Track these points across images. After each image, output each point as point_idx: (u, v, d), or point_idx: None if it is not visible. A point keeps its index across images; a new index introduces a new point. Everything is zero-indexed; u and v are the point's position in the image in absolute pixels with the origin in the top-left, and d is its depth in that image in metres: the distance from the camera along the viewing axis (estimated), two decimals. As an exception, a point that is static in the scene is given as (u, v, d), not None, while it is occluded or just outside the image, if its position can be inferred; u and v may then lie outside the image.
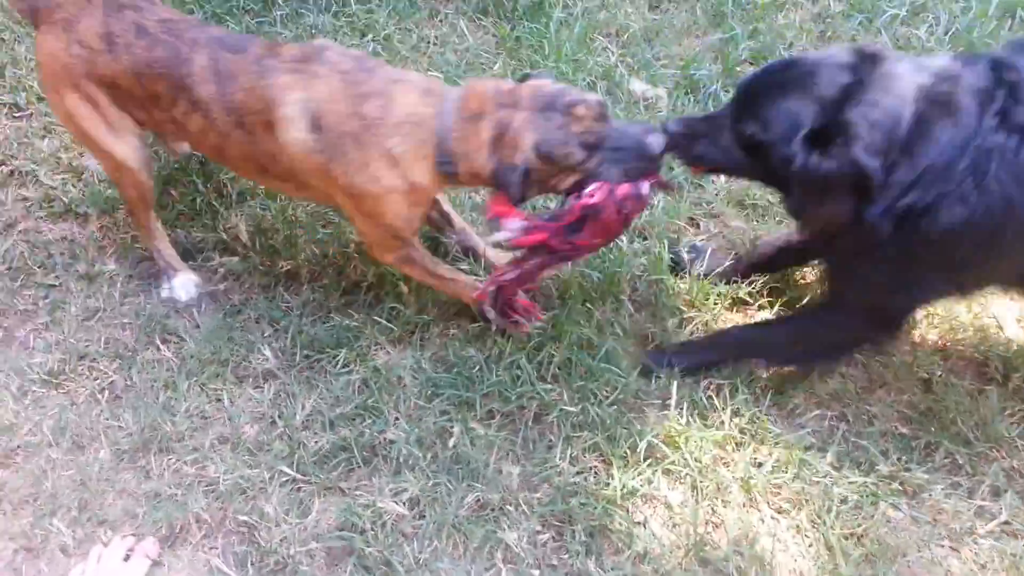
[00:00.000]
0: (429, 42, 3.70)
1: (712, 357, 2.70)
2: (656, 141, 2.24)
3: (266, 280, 2.94)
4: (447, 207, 2.89)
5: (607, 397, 2.62)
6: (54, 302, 2.90)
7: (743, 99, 2.20)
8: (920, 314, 2.75)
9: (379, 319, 2.80)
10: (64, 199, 3.16)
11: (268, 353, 2.75)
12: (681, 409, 2.60)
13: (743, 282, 2.89)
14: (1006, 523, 2.45)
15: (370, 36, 3.68)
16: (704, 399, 2.63)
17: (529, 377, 2.63)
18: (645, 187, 2.27)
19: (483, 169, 2.30)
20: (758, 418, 2.58)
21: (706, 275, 2.89)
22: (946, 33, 3.61)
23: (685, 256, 2.93)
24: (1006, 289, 2.55)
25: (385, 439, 2.56)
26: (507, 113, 2.25)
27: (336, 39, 3.65)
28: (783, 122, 2.05)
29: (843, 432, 2.60)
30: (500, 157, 2.25)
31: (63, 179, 3.20)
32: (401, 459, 2.52)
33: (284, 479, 2.49)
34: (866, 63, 2.05)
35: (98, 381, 2.71)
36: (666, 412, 2.60)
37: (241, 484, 2.47)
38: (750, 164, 2.20)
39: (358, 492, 2.46)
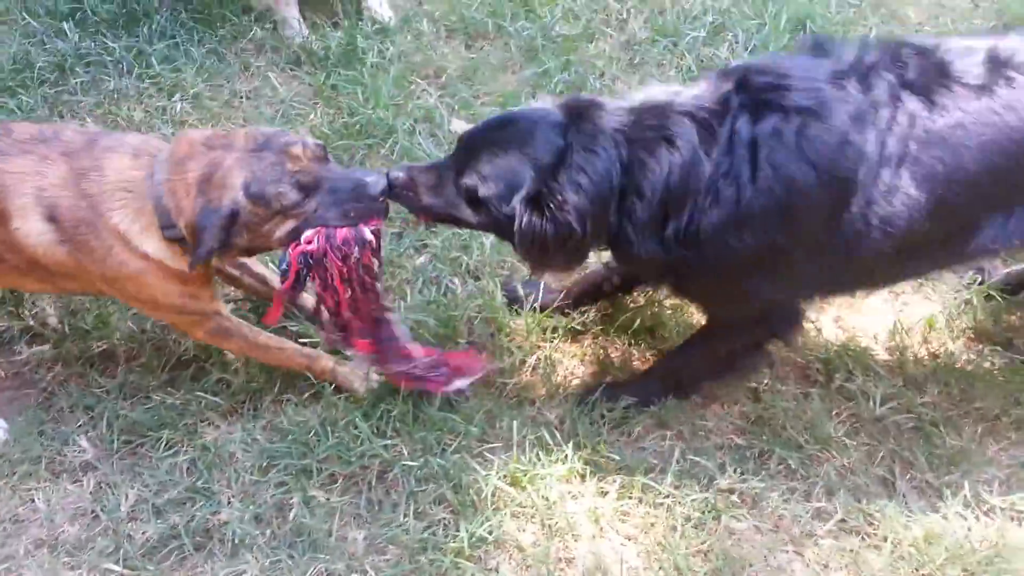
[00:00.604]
0: (242, 97, 3.61)
1: (656, 390, 2.71)
2: (376, 181, 2.19)
3: (79, 366, 2.75)
4: (259, 269, 2.78)
5: (450, 445, 2.59)
6: None
7: (465, 152, 2.23)
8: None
9: (204, 394, 2.66)
10: None
11: (84, 443, 2.57)
12: (524, 448, 2.58)
13: (575, 311, 2.92)
14: (842, 521, 2.53)
15: (178, 95, 3.55)
16: (547, 436, 2.62)
17: (368, 435, 2.56)
18: (366, 231, 2.20)
19: (191, 218, 2.14)
20: (599, 448, 2.59)
21: (542, 309, 2.90)
22: (746, 49, 3.81)
23: (521, 292, 2.94)
24: (868, 284, 2.58)
25: (218, 520, 2.42)
26: (218, 154, 2.15)
27: (141, 102, 3.51)
28: (502, 180, 2.13)
29: (681, 450, 2.65)
30: (207, 200, 2.11)
31: None
32: (237, 540, 2.39)
33: (110, 577, 2.31)
34: (573, 122, 2.13)
35: None
36: (510, 454, 2.57)
37: (60, 591, 2.28)
38: (472, 216, 2.23)
39: (193, 582, 2.32)
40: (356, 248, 2.19)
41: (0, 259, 2.28)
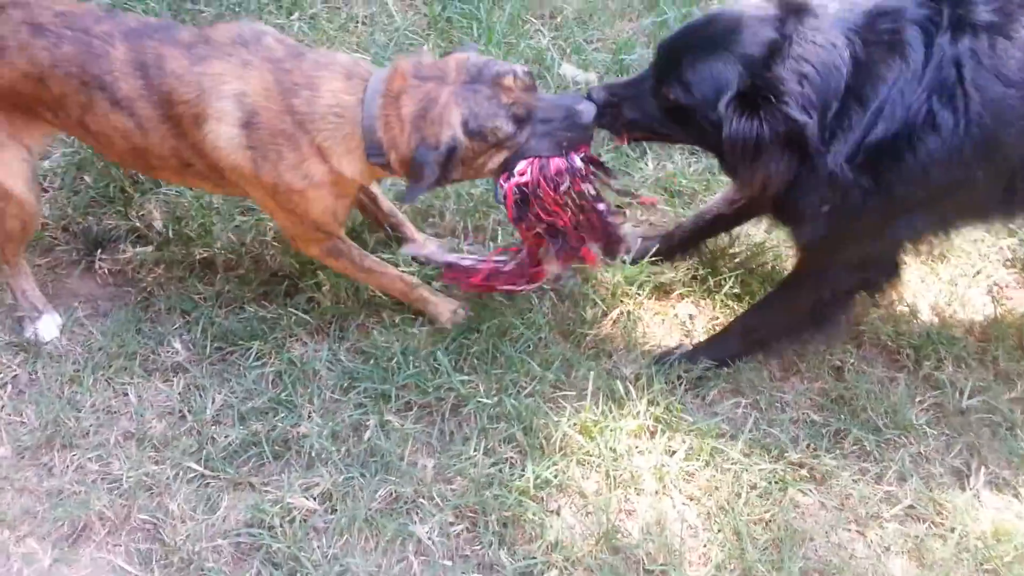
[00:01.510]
0: (358, 22, 3.63)
1: (735, 348, 2.67)
2: (587, 109, 2.15)
3: (180, 270, 2.87)
4: (376, 190, 2.84)
5: (525, 388, 2.62)
6: (-48, 296, 2.80)
7: (664, 61, 2.12)
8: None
9: (295, 311, 2.75)
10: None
11: (178, 346, 2.69)
12: (597, 400, 2.60)
13: (670, 264, 2.89)
14: (911, 507, 2.50)
15: (296, 15, 3.59)
16: (621, 389, 2.63)
17: (447, 369, 2.61)
18: (577, 159, 2.19)
19: (407, 153, 2.17)
20: (673, 407, 2.59)
21: (634, 262, 2.87)
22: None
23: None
24: (987, 220, 2.46)
25: (298, 433, 2.52)
26: (432, 87, 2.14)
27: (261, 18, 3.56)
28: (707, 85, 2.00)
29: (755, 419, 2.63)
30: (424, 136, 2.13)
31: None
32: (314, 453, 2.48)
33: (191, 475, 2.44)
34: (791, 15, 2.00)
35: (0, 376, 2.62)
36: (582, 403, 2.59)
37: (146, 481, 2.41)
38: (677, 129, 2.15)
39: (268, 488, 2.43)
40: (567, 177, 2.17)
41: (187, 164, 2.35)
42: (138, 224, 2.96)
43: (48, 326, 2.71)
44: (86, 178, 3.06)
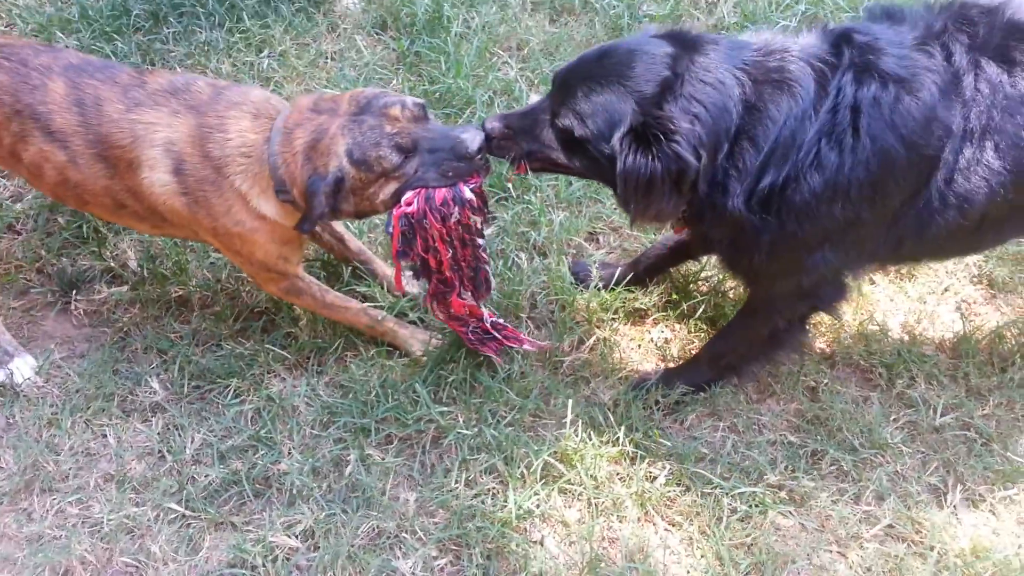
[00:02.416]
0: (327, 57, 3.66)
1: (707, 375, 2.70)
2: (472, 139, 2.15)
3: (155, 309, 2.87)
4: (340, 229, 2.86)
5: (504, 417, 2.63)
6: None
7: (559, 91, 2.09)
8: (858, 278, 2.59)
9: (273, 346, 2.76)
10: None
11: (156, 385, 2.69)
12: (576, 427, 2.61)
13: (640, 290, 2.93)
14: (890, 526, 2.53)
15: (266, 52, 3.63)
16: (600, 416, 2.65)
17: (426, 400, 2.62)
18: (465, 191, 2.19)
19: (302, 185, 2.19)
20: (652, 432, 2.61)
21: (606, 289, 2.91)
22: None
23: (593, 272, 2.94)
24: (935, 256, 2.52)
25: (278, 470, 2.52)
26: (324, 119, 2.19)
27: (230, 55, 3.58)
28: (600, 118, 1.99)
29: (733, 442, 2.66)
30: (315, 166, 2.17)
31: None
32: (295, 490, 2.48)
33: (172, 516, 2.43)
34: (684, 52, 2.00)
35: (-24, 422, 2.61)
36: (562, 431, 2.61)
37: (127, 523, 2.41)
38: (572, 160, 2.13)
39: (249, 527, 2.42)
40: (456, 208, 2.18)
41: (122, 205, 2.38)
42: (112, 264, 2.96)
43: (21, 368, 2.70)
44: (59, 219, 3.06)
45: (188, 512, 2.44)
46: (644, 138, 1.95)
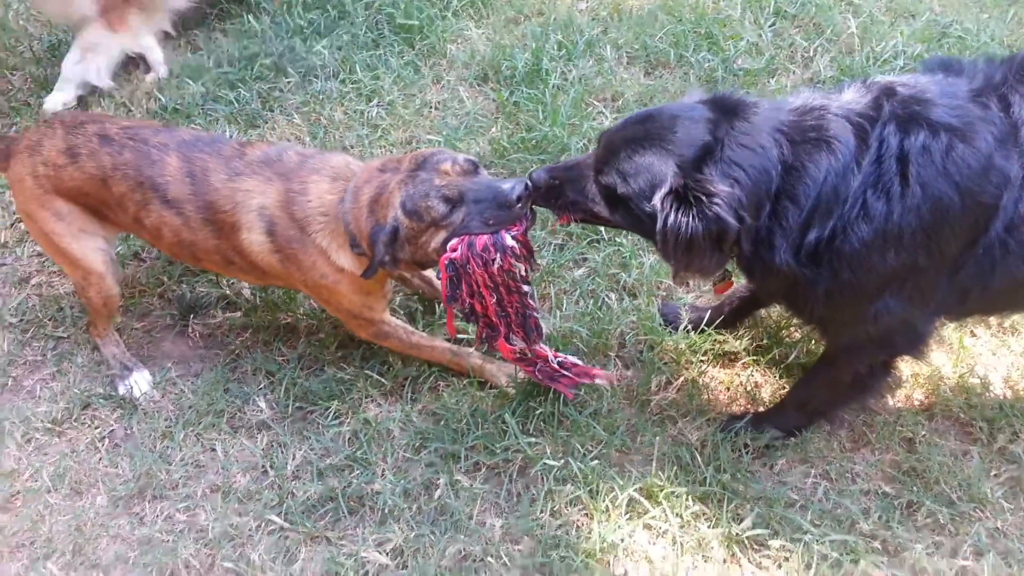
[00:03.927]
0: (431, 107, 3.86)
1: (795, 420, 2.70)
2: (512, 188, 2.27)
3: (265, 335, 3.04)
4: (430, 274, 3.02)
5: (591, 451, 2.67)
6: (61, 353, 3.03)
7: (604, 150, 2.18)
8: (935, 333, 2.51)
9: (371, 373, 2.88)
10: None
11: (263, 404, 2.84)
12: (663, 465, 2.63)
13: (730, 333, 2.95)
14: (988, 583, 2.44)
15: (375, 101, 3.85)
16: (687, 456, 2.66)
17: (515, 431, 2.69)
18: (506, 238, 2.28)
19: (366, 235, 2.39)
20: (741, 474, 2.61)
21: (695, 329, 2.94)
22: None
23: (683, 314, 2.98)
24: (1006, 308, 2.46)
25: (372, 490, 2.62)
26: (387, 177, 2.39)
27: (342, 104, 3.82)
28: (643, 178, 2.07)
29: (825, 489, 2.62)
30: (376, 218, 2.37)
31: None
32: (387, 510, 2.57)
33: (272, 527, 2.55)
34: (724, 117, 2.06)
35: (99, 429, 2.81)
36: (648, 467, 2.63)
37: (230, 532, 2.53)
38: (614, 214, 2.20)
39: (343, 542, 2.52)
40: (497, 254, 2.27)
41: (230, 261, 2.66)
42: (228, 292, 3.16)
43: (139, 382, 2.92)
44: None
45: (286, 524, 2.55)
46: (685, 199, 2.00)
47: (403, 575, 2.44)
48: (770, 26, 4.28)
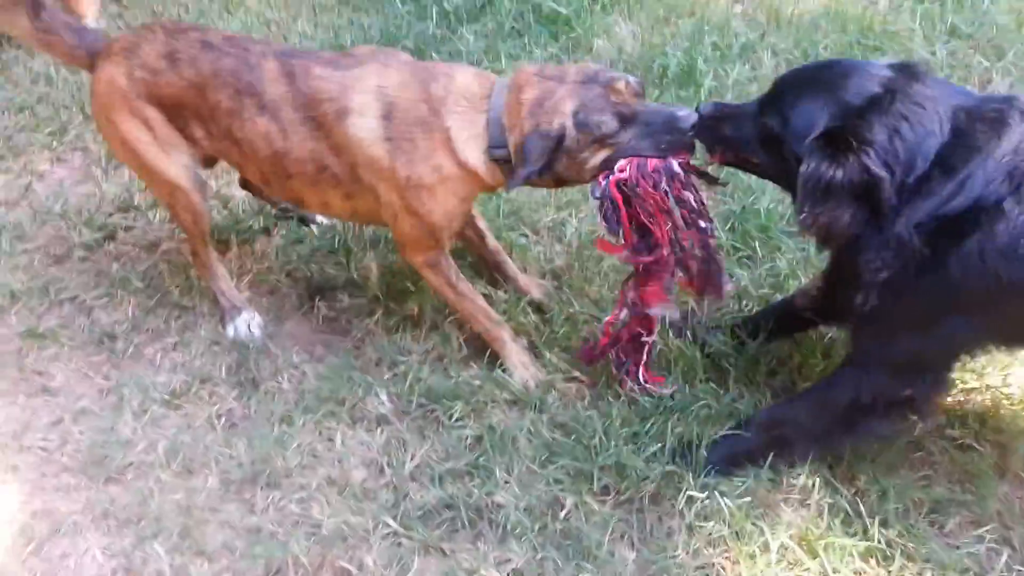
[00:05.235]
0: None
1: (751, 441, 2.44)
2: (686, 116, 2.25)
3: (391, 321, 2.90)
4: (482, 224, 2.89)
5: (738, 487, 2.40)
6: (185, 323, 2.95)
7: (772, 92, 2.17)
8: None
9: (499, 375, 2.69)
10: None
11: (384, 398, 2.68)
12: (821, 510, 2.35)
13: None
14: None
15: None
16: (847, 504, 2.37)
17: (653, 455, 2.45)
18: (675, 164, 2.24)
19: (521, 138, 2.30)
20: (910, 531, 2.30)
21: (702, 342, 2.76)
22: None
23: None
24: None
25: (493, 502, 2.41)
26: (552, 84, 2.31)
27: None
28: (801, 120, 2.03)
29: (1007, 559, 2.29)
30: (538, 121, 2.27)
31: (211, 205, 3.27)
32: (508, 526, 2.36)
33: (387, 531, 2.37)
34: (903, 76, 2.00)
35: (217, 407, 2.70)
36: (803, 512, 2.35)
37: (344, 530, 2.37)
38: (766, 156, 2.17)
39: (461, 555, 2.32)
40: (665, 179, 2.21)
41: (323, 167, 2.51)
42: (355, 275, 3.03)
43: (248, 322, 2.88)
44: (312, 228, 3.19)
45: (401, 529, 2.37)
46: (837, 144, 1.93)
47: (524, 601, 2.23)
48: (944, 43, 3.95)
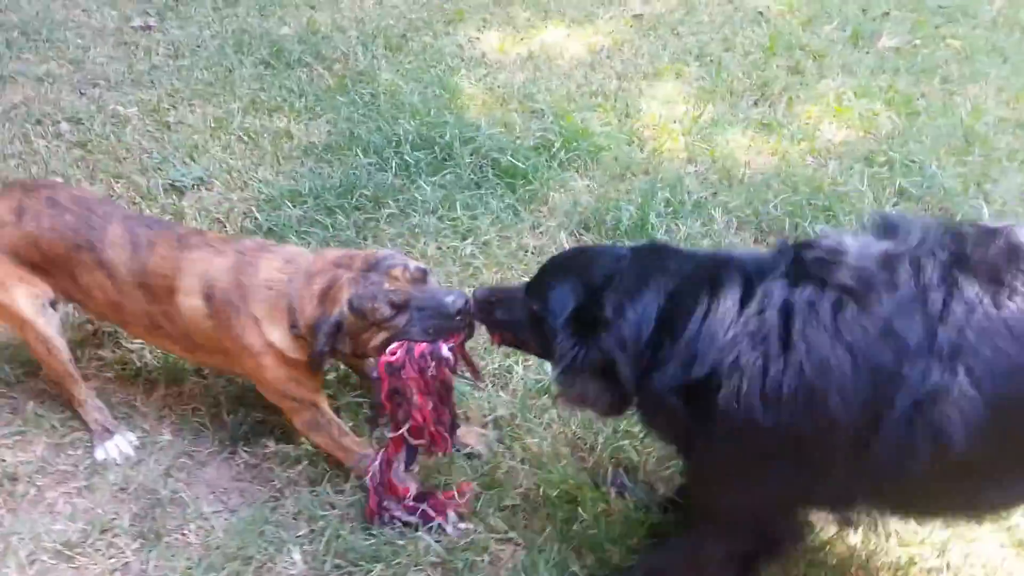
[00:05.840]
0: (527, 251, 3.66)
1: None
2: (452, 301, 2.36)
3: (316, 471, 2.74)
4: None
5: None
6: (94, 467, 2.77)
7: (537, 278, 2.28)
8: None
9: (423, 536, 2.51)
10: (138, 363, 3.14)
11: (297, 557, 2.49)
12: None
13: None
14: None
15: (471, 239, 3.68)
16: None
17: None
18: (444, 348, 2.34)
19: (310, 322, 2.44)
20: None
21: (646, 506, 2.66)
22: None
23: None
24: (934, 508, 2.10)
25: None
26: (340, 272, 2.45)
27: (437, 239, 3.67)
28: (555, 301, 2.12)
29: None
30: (324, 309, 2.44)
31: (142, 344, 3.17)
32: None
33: None
34: (636, 254, 2.12)
35: (113, 560, 2.49)
36: None
37: None
38: (534, 337, 2.25)
39: None
40: (431, 361, 2.31)
41: (157, 325, 2.69)
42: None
43: (120, 445, 2.83)
44: (239, 380, 3.08)
45: None
46: (584, 324, 2.04)
47: None
48: (893, 205, 4.02)
